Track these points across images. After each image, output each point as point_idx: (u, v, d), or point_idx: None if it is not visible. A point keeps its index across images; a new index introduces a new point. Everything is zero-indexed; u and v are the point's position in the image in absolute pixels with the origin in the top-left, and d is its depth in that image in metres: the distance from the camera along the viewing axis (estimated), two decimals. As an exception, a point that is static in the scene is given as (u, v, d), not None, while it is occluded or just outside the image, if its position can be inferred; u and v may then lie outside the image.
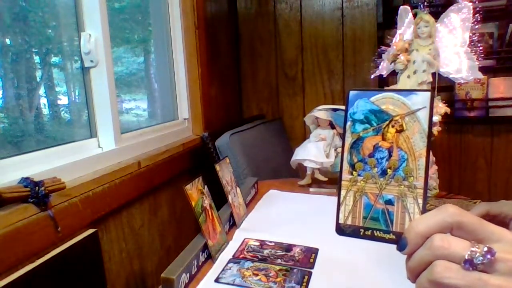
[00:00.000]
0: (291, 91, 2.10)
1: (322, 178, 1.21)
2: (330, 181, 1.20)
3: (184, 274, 0.65)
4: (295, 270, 0.71)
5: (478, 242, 0.30)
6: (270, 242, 0.83)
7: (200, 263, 0.73)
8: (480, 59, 1.01)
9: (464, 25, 1.03)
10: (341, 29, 1.97)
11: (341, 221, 0.39)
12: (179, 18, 1.50)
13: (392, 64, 1.07)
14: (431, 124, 0.37)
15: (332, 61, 2.01)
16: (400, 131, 0.38)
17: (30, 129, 0.95)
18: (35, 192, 0.69)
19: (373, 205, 0.38)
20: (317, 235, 0.83)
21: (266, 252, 0.79)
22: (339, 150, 1.14)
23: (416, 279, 0.33)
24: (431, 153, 1.12)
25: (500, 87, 1.74)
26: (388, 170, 0.38)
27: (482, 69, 1.02)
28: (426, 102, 0.37)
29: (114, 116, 1.07)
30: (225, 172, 0.94)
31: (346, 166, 0.40)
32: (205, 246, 0.74)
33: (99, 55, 1.04)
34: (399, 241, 0.34)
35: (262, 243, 0.83)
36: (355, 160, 0.40)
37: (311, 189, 1.19)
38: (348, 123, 0.40)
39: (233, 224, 0.92)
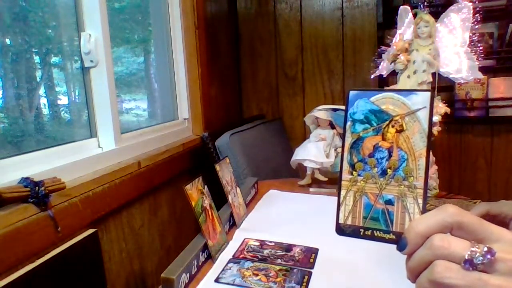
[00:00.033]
0: (291, 91, 2.10)
1: (322, 178, 1.21)
2: (330, 181, 1.20)
3: (184, 274, 0.65)
4: (295, 270, 0.71)
5: (478, 242, 0.30)
6: (270, 242, 0.83)
7: (200, 263, 0.73)
8: (480, 59, 1.01)
9: (464, 25, 1.03)
10: (341, 29, 1.97)
11: (341, 221, 0.39)
12: (179, 18, 1.50)
13: (392, 64, 1.07)
14: (431, 124, 0.37)
15: (332, 61, 2.01)
16: (400, 131, 0.38)
17: (30, 129, 0.95)
18: (35, 192, 0.69)
19: (373, 205, 0.38)
20: (317, 235, 0.83)
21: (266, 252, 0.79)
22: (339, 150, 1.14)
23: (416, 279, 0.33)
24: (431, 153, 1.12)
25: (500, 87, 1.74)
26: (388, 170, 0.38)
27: (482, 69, 1.02)
28: (426, 102, 0.37)
29: (114, 116, 1.07)
30: (225, 172, 0.94)
31: (346, 166, 0.40)
32: (205, 246, 0.74)
33: (99, 55, 1.04)
34: (399, 241, 0.34)
35: (262, 243, 0.83)
36: (355, 160, 0.40)
37: (311, 189, 1.19)
38: (348, 123, 0.40)
39: (233, 224, 0.92)
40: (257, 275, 0.70)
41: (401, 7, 1.15)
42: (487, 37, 1.73)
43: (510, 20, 1.68)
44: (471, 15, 1.02)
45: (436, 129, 1.02)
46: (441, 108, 1.02)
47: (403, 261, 0.35)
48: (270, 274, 0.70)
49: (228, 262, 0.75)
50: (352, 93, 0.40)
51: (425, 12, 1.03)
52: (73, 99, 1.10)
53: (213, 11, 1.75)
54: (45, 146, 0.90)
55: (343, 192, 0.40)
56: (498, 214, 0.53)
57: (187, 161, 1.40)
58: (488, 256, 0.29)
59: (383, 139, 0.39)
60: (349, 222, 0.39)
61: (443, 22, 1.05)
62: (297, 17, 2.02)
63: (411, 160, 0.37)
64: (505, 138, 1.81)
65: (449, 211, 0.32)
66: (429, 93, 0.37)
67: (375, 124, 0.39)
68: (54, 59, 1.07)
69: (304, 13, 2.01)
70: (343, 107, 0.43)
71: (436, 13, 1.06)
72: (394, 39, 1.11)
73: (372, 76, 1.18)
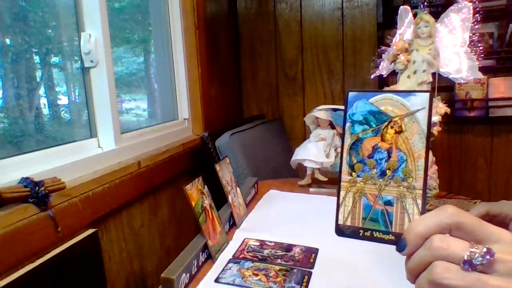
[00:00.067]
0: (291, 91, 2.10)
1: (322, 178, 1.21)
2: (330, 181, 1.20)
3: (184, 274, 0.66)
4: (295, 270, 0.71)
5: (477, 242, 0.30)
6: (270, 242, 0.83)
7: (200, 263, 0.73)
8: (480, 59, 1.01)
9: (464, 25, 1.03)
10: (341, 29, 1.97)
11: (340, 222, 0.39)
12: (179, 18, 1.50)
13: (392, 64, 1.07)
14: (429, 125, 0.37)
15: (332, 61, 2.01)
16: (399, 132, 0.38)
17: (30, 129, 0.95)
18: (35, 192, 0.69)
19: (372, 206, 0.38)
20: (317, 235, 0.83)
21: (266, 252, 0.79)
22: (339, 150, 1.14)
23: (415, 280, 0.33)
24: (431, 153, 1.11)
25: (500, 87, 1.74)
26: (387, 171, 0.38)
27: (482, 69, 1.02)
28: (425, 103, 0.37)
29: (114, 116, 1.07)
30: (225, 172, 0.94)
31: (345, 167, 0.40)
32: (205, 246, 0.74)
33: (99, 55, 1.04)
34: (399, 242, 0.34)
35: (262, 243, 0.83)
36: (354, 161, 0.40)
37: (311, 189, 1.19)
38: (347, 124, 0.40)
39: (233, 224, 0.92)
40: (257, 275, 0.70)
41: (401, 7, 1.15)
42: (487, 37, 1.73)
43: (510, 20, 1.68)
44: (471, 15, 1.02)
45: (436, 129, 1.02)
46: (441, 108, 1.02)
47: (402, 261, 0.35)
48: (270, 274, 0.70)
49: (228, 262, 0.75)
50: (351, 94, 0.40)
51: (425, 12, 1.03)
52: (73, 99, 1.10)
53: (213, 11, 1.75)
54: (45, 146, 0.90)
55: (342, 193, 0.40)
56: (498, 214, 0.53)
57: (187, 161, 1.40)
58: (487, 257, 0.29)
59: (382, 140, 0.39)
60: (348, 223, 0.39)
61: (443, 22, 1.05)
62: (297, 17, 2.02)
63: (410, 161, 0.38)
64: (505, 138, 1.81)
65: (448, 212, 0.32)
66: (428, 94, 0.37)
67: (374, 125, 0.39)
68: (54, 59, 1.07)
69: (304, 13, 2.01)
70: (343, 107, 0.43)
71: (436, 13, 1.06)
72: (394, 39, 1.11)
73: (372, 76, 1.18)
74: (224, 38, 1.92)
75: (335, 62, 2.01)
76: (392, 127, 0.38)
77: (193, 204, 0.74)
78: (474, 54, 1.01)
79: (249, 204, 1.08)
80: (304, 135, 2.02)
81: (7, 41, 0.90)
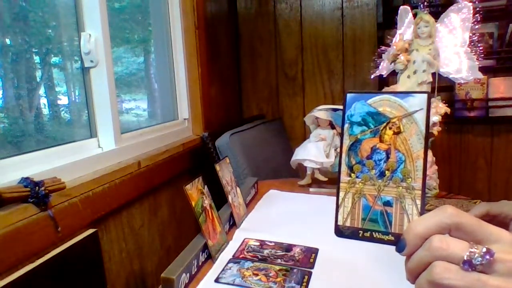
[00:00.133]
0: (291, 91, 2.10)
1: (322, 178, 1.21)
2: (330, 181, 1.20)
3: (184, 274, 0.66)
4: (295, 270, 0.71)
5: (477, 243, 0.30)
6: (270, 242, 0.83)
7: (200, 263, 0.73)
8: (480, 59, 1.01)
9: (464, 25, 1.03)
10: (341, 29, 1.97)
11: (340, 223, 0.39)
12: (179, 18, 1.50)
13: (392, 64, 1.07)
14: (428, 125, 0.37)
15: (332, 61, 2.01)
16: (397, 133, 0.38)
17: (30, 129, 0.95)
18: (35, 192, 0.69)
19: (371, 206, 0.38)
20: (317, 235, 0.83)
21: (266, 252, 0.79)
22: (339, 150, 1.14)
23: (415, 280, 0.33)
24: (431, 153, 1.12)
25: (500, 87, 1.74)
26: (386, 171, 0.38)
27: (482, 69, 1.02)
28: (423, 104, 0.37)
29: (114, 116, 1.07)
30: (225, 172, 0.94)
31: (344, 168, 0.40)
32: (205, 246, 0.74)
33: (99, 55, 1.04)
34: (398, 243, 0.34)
35: (262, 243, 0.83)
36: (353, 162, 0.40)
37: (311, 189, 1.19)
38: (346, 125, 0.40)
39: (233, 224, 0.92)
40: (257, 275, 0.70)
41: (401, 7, 1.15)
42: (487, 37, 1.73)
43: (510, 20, 1.68)
44: (471, 15, 1.02)
45: (436, 129, 1.02)
46: (441, 108, 1.02)
47: (402, 262, 0.35)
48: (270, 274, 0.70)
49: (228, 262, 0.75)
50: (349, 95, 0.40)
51: (425, 12, 1.03)
52: (73, 99, 1.10)
53: (213, 11, 1.75)
54: (45, 146, 0.90)
55: (341, 194, 0.40)
56: (498, 214, 0.53)
57: (187, 161, 1.40)
58: (487, 257, 0.29)
59: (381, 141, 0.39)
60: (348, 224, 0.39)
61: (443, 22, 1.05)
62: (297, 17, 2.02)
63: (409, 161, 0.38)
64: (505, 138, 1.81)
65: (448, 212, 0.32)
66: (426, 95, 0.37)
67: (372, 126, 0.39)
68: (54, 59, 1.07)
69: (304, 13, 2.01)
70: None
71: (436, 13, 1.06)
72: (394, 39, 1.11)
73: (372, 76, 1.18)
74: (224, 38, 1.92)
75: (335, 62, 2.01)
76: (390, 128, 0.38)
77: (193, 204, 0.74)
78: (474, 54, 1.01)
79: (249, 204, 1.08)
80: (304, 135, 2.02)
81: (7, 41, 0.90)
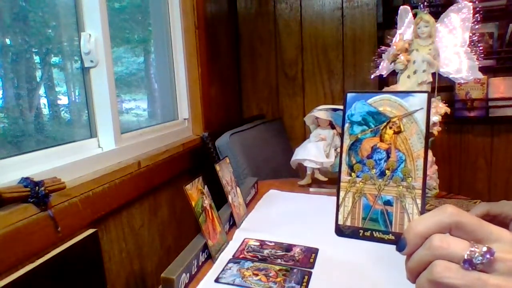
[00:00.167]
0: (291, 91, 2.10)
1: (322, 178, 1.21)
2: (330, 181, 1.20)
3: (184, 274, 0.66)
4: (295, 270, 0.71)
5: (477, 242, 0.30)
6: (270, 242, 0.83)
7: (200, 263, 0.73)
8: (480, 59, 1.01)
9: (464, 25, 1.03)
10: (341, 29, 1.97)
11: (340, 222, 0.39)
12: (179, 18, 1.50)
13: (392, 64, 1.07)
14: (428, 125, 0.37)
15: (332, 61, 2.01)
16: (398, 132, 0.38)
17: (30, 129, 0.95)
18: (35, 192, 0.69)
19: (372, 206, 0.38)
20: (317, 235, 0.83)
21: (266, 252, 0.79)
22: (339, 150, 1.14)
23: (415, 280, 0.33)
24: (431, 153, 1.11)
25: (500, 87, 1.74)
26: (387, 171, 0.38)
27: (482, 69, 1.02)
28: (423, 104, 0.37)
29: (114, 116, 1.07)
30: (225, 172, 0.94)
31: (344, 167, 0.40)
32: (205, 246, 0.74)
33: (99, 55, 1.04)
34: (399, 242, 0.34)
35: (262, 243, 0.83)
36: (354, 162, 0.40)
37: (311, 189, 1.19)
38: (346, 125, 0.40)
39: (233, 224, 0.92)
40: (257, 275, 0.70)
41: (401, 7, 1.15)
42: (487, 37, 1.73)
43: (510, 20, 1.68)
44: (471, 15, 1.02)
45: (436, 129, 1.02)
46: (441, 108, 1.02)
47: (402, 261, 0.35)
48: (270, 274, 0.70)
49: (228, 262, 0.75)
50: (349, 95, 0.41)
51: (425, 12, 1.03)
52: (73, 99, 1.10)
53: (213, 11, 1.75)
54: (45, 146, 0.90)
55: (342, 193, 0.40)
56: (498, 214, 0.53)
57: (187, 161, 1.40)
58: (488, 256, 0.29)
59: (381, 140, 0.39)
60: (348, 223, 0.39)
61: (443, 22, 1.05)
62: (297, 17, 2.02)
63: (409, 161, 0.38)
64: (505, 138, 1.81)
65: (448, 211, 0.32)
66: (426, 95, 0.37)
67: (373, 126, 0.39)
68: (54, 59, 1.07)
69: (304, 13, 2.01)
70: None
71: (436, 13, 1.06)
72: (394, 39, 1.11)
73: (372, 76, 1.18)
74: (224, 38, 1.92)
75: (335, 62, 2.01)
76: (390, 128, 0.38)
77: (193, 204, 0.74)
78: (474, 54, 1.01)
79: (249, 204, 1.08)
80: (304, 135, 2.02)
81: (7, 41, 0.90)
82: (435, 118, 1.01)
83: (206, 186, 0.80)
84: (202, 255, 0.73)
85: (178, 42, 1.51)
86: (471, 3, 1.02)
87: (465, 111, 1.78)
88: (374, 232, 0.38)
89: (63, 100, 1.09)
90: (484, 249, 0.29)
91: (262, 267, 0.73)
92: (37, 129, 0.98)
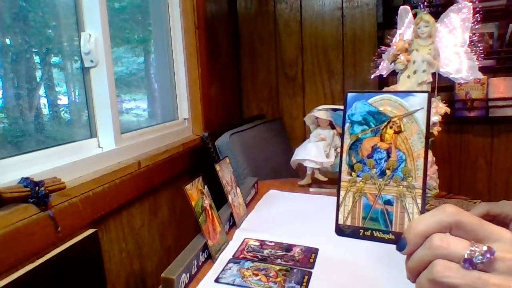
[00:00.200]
0: (291, 91, 2.10)
1: (322, 178, 1.21)
2: (330, 181, 1.20)
3: (184, 274, 0.66)
4: (295, 270, 0.71)
5: (477, 241, 0.30)
6: (270, 242, 0.83)
7: (200, 263, 0.73)
8: (480, 59, 1.01)
9: (464, 25, 1.03)
10: (341, 29, 1.97)
11: (340, 221, 0.39)
12: (179, 18, 1.50)
13: (392, 64, 1.07)
14: (428, 125, 0.37)
15: (332, 61, 2.01)
16: (398, 132, 0.38)
17: (30, 129, 0.95)
18: (35, 192, 0.69)
19: (372, 205, 0.38)
20: (317, 235, 0.83)
21: (266, 252, 0.79)
22: (339, 150, 1.14)
23: (416, 279, 0.33)
24: (431, 153, 1.11)
25: (500, 87, 1.74)
26: (387, 170, 0.38)
27: (482, 69, 1.02)
28: (423, 103, 0.37)
29: (114, 116, 1.07)
30: (225, 172, 0.94)
31: (345, 167, 0.40)
32: (205, 246, 0.74)
33: (99, 55, 1.04)
34: (399, 241, 0.34)
35: (262, 243, 0.83)
36: (354, 161, 0.40)
37: (311, 189, 1.19)
38: (347, 125, 0.40)
39: (233, 224, 0.92)
40: (257, 275, 0.70)
41: (401, 7, 1.15)
42: (487, 37, 1.73)
43: (510, 20, 1.68)
44: (471, 15, 1.02)
45: (436, 129, 1.02)
46: (441, 108, 1.02)
47: (403, 261, 0.35)
48: (270, 274, 0.70)
49: (228, 262, 0.75)
50: (350, 95, 0.41)
51: (425, 12, 1.03)
52: (73, 99, 1.10)
53: (213, 11, 1.75)
54: (45, 146, 0.90)
55: (342, 193, 0.40)
56: (498, 214, 0.53)
57: (187, 161, 1.40)
58: (488, 255, 0.29)
59: (382, 140, 0.39)
60: (348, 222, 0.39)
61: (443, 22, 1.05)
62: (297, 17, 2.02)
63: (410, 160, 0.38)
64: (505, 138, 1.81)
65: (448, 211, 0.32)
66: (426, 94, 0.37)
67: (373, 126, 0.39)
68: (54, 59, 1.07)
69: (304, 13, 2.01)
70: (343, 107, 0.43)
71: (436, 13, 1.06)
72: (394, 39, 1.11)
73: (372, 76, 1.18)
74: (224, 38, 1.92)
75: (335, 62, 2.01)
76: (391, 127, 0.38)
77: (193, 204, 0.74)
78: (474, 54, 1.01)
79: (249, 204, 1.08)
80: (304, 135, 2.02)
81: (7, 41, 0.90)
82: (435, 118, 1.01)
83: (206, 186, 0.80)
84: (202, 255, 0.73)
85: (178, 42, 1.51)
86: (471, 3, 1.02)
87: (465, 111, 1.78)
88: (374, 232, 0.38)
89: (63, 100, 1.09)
90: (485, 248, 0.29)
91: (262, 267, 0.73)
92: (37, 129, 0.98)
